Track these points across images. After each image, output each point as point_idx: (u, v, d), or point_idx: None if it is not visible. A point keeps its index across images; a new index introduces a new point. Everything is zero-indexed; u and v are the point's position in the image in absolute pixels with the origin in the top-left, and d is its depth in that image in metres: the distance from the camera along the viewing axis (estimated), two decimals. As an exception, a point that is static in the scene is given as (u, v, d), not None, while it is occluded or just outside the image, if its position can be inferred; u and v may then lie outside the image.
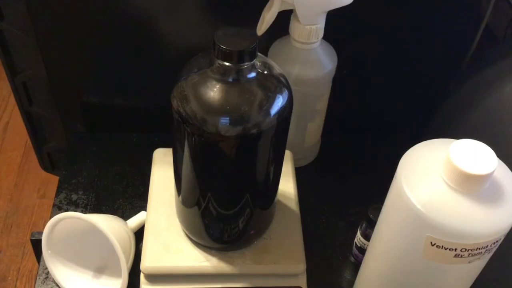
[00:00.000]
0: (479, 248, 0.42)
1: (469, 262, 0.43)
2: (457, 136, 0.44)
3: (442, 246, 0.42)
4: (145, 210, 0.62)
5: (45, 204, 1.36)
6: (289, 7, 0.57)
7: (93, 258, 0.61)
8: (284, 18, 0.58)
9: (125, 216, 0.66)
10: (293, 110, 0.49)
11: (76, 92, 0.73)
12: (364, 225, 0.61)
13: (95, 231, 0.56)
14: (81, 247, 0.61)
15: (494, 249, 0.43)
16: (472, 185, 0.40)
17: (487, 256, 0.44)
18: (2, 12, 0.64)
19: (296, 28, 0.59)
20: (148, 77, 0.71)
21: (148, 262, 0.55)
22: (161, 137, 0.75)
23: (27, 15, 0.63)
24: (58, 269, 0.60)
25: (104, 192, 0.70)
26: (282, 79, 0.48)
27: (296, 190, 0.63)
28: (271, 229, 0.59)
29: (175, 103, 0.46)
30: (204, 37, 0.50)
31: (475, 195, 0.41)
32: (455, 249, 0.41)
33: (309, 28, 0.58)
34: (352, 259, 0.65)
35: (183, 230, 0.58)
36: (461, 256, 0.42)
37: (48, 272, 0.60)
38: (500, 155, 0.42)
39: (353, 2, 0.56)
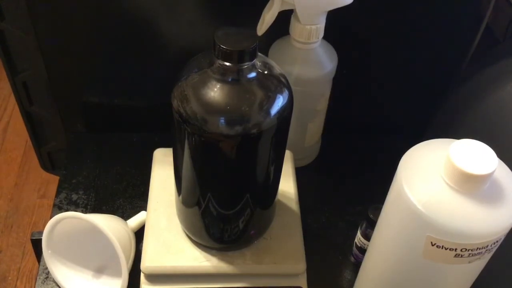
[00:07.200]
0: (479, 248, 0.42)
1: (469, 262, 0.43)
2: (457, 136, 0.44)
3: (442, 246, 0.42)
4: (145, 210, 0.62)
5: (45, 204, 1.36)
6: (289, 7, 0.57)
7: (93, 258, 0.61)
8: (284, 18, 0.58)
9: (125, 216, 0.66)
10: (293, 110, 0.49)
11: (76, 92, 0.73)
12: (364, 225, 0.61)
13: (95, 231, 0.56)
14: (81, 247, 0.61)
15: (494, 249, 0.43)
16: (472, 185, 0.40)
17: (487, 256, 0.44)
18: (2, 12, 0.64)
19: (296, 28, 0.59)
20: (148, 77, 0.71)
21: (148, 262, 0.55)
22: (161, 137, 0.75)
23: (27, 15, 0.63)
24: (58, 269, 0.60)
25: (104, 192, 0.70)
26: (282, 79, 0.48)
27: (296, 190, 0.63)
28: (271, 229, 0.59)
29: (175, 103, 0.46)
30: (204, 37, 0.50)
31: (475, 195, 0.41)
32: (455, 249, 0.41)
33: (309, 28, 0.59)
34: (352, 259, 0.65)
35: (183, 230, 0.58)
36: (461, 256, 0.42)
37: (48, 272, 0.60)
38: (500, 155, 0.42)
39: (353, 2, 0.56)
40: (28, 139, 0.79)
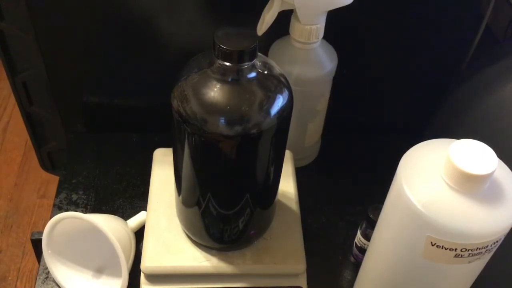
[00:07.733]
0: (479, 248, 0.42)
1: (469, 262, 0.43)
2: (457, 136, 0.44)
3: (442, 246, 0.42)
4: (145, 210, 0.62)
5: (45, 204, 1.36)
6: (289, 7, 0.57)
7: (93, 258, 0.61)
8: (284, 18, 0.58)
9: (125, 216, 0.66)
10: (293, 110, 0.49)
11: (76, 92, 0.73)
12: (364, 225, 0.61)
13: (95, 231, 0.56)
14: (81, 247, 0.61)
15: (494, 249, 0.43)
16: (472, 185, 0.40)
17: (487, 256, 0.44)
18: (2, 12, 0.64)
19: (296, 28, 0.59)
20: (148, 77, 0.71)
21: (148, 262, 0.55)
22: (161, 137, 0.75)
23: (27, 15, 0.63)
24: (58, 269, 0.60)
25: (104, 192, 0.70)
26: (282, 79, 0.48)
27: (296, 190, 0.63)
28: (271, 229, 0.59)
29: (175, 103, 0.46)
30: (204, 37, 0.50)
31: (475, 195, 0.41)
32: (455, 249, 0.41)
33: (309, 28, 0.58)
34: (352, 259, 0.65)
35: (183, 230, 0.58)
36: (461, 256, 0.42)
37: (48, 272, 0.60)
38: (500, 155, 0.42)
39: (353, 2, 0.56)
40: (28, 139, 0.79)
